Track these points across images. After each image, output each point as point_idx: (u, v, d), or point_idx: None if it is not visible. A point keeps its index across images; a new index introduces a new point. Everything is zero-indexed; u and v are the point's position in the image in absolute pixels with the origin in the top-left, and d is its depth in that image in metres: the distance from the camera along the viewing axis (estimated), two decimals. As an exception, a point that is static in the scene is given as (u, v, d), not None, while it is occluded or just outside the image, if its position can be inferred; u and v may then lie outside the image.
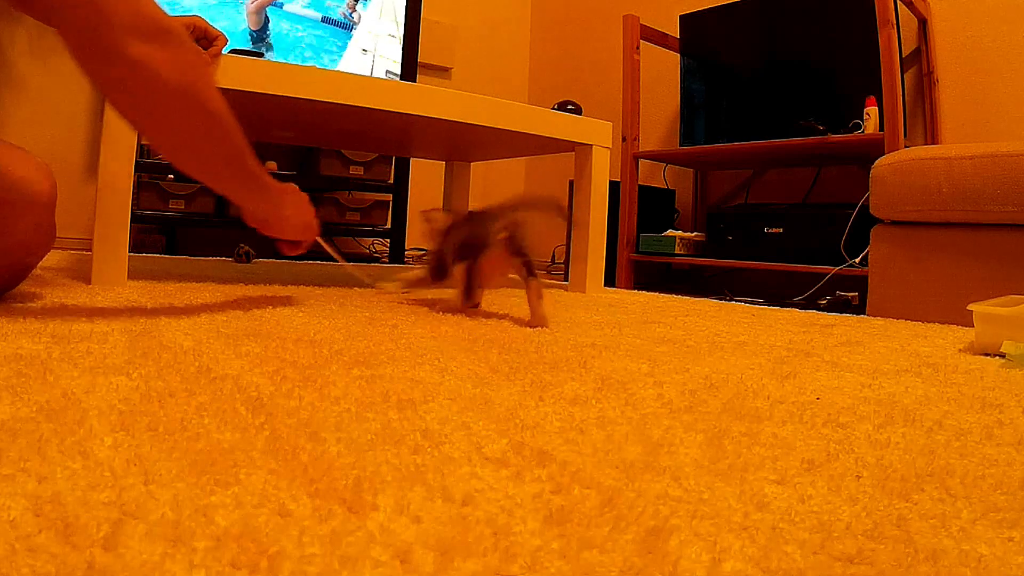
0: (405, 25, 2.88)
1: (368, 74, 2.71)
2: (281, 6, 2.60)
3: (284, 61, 2.34)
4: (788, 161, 2.48)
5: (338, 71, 1.48)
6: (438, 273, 1.23)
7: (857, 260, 1.90)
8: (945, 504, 0.41)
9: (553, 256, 3.35)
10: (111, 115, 1.30)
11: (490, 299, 1.56)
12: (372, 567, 0.29)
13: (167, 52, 0.77)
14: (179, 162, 0.89)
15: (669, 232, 2.49)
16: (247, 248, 2.37)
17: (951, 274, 1.59)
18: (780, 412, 0.62)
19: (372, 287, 1.24)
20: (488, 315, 1.25)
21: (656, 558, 0.31)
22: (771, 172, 2.65)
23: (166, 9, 0.78)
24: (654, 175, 2.93)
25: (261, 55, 1.46)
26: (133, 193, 1.35)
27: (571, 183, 2.12)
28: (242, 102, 1.50)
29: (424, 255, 1.25)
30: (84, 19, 0.72)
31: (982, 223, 1.55)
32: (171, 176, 2.52)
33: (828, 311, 1.86)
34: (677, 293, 2.24)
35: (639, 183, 2.57)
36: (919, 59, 2.24)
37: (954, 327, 1.48)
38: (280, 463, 0.41)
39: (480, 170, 3.45)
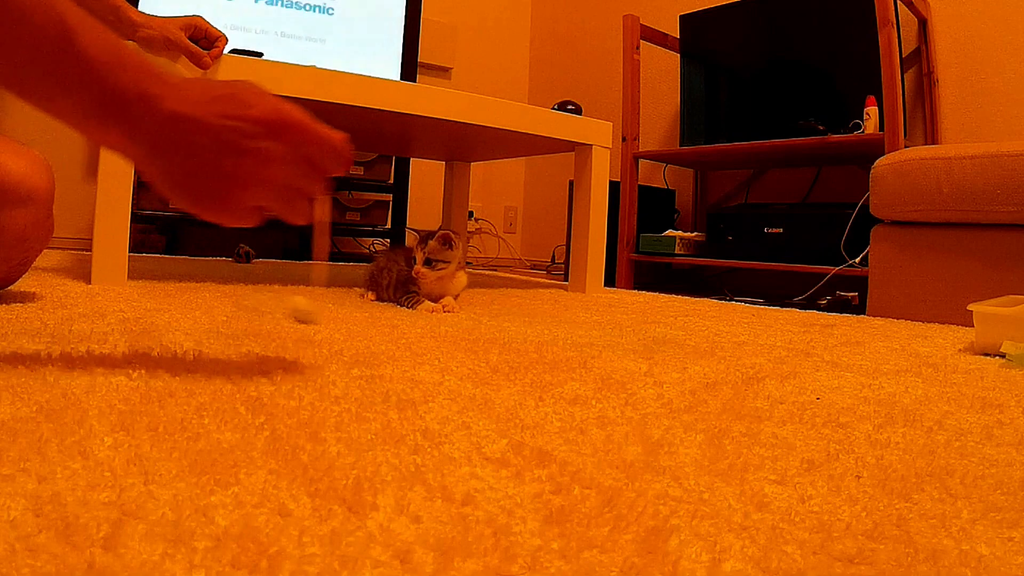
0: (405, 25, 2.88)
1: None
2: None
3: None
4: (788, 161, 2.48)
5: (338, 71, 1.49)
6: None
7: (857, 260, 1.90)
8: (945, 504, 0.41)
9: (553, 256, 3.35)
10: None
11: (490, 299, 1.56)
12: (372, 567, 0.29)
13: None
14: None
15: (669, 232, 2.49)
16: (247, 248, 2.37)
17: (951, 274, 1.59)
18: (780, 412, 0.62)
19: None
20: (487, 315, 1.25)
21: (656, 558, 0.31)
22: (771, 172, 2.65)
23: (166, 11, 0.73)
24: (654, 175, 2.93)
25: (261, 55, 1.46)
26: (133, 193, 1.34)
27: (571, 183, 2.12)
28: (242, 102, 1.49)
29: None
30: None
31: (982, 223, 1.55)
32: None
33: (828, 311, 1.86)
34: (677, 293, 2.24)
35: (639, 183, 2.57)
36: (919, 59, 2.24)
37: (954, 327, 1.48)
38: (280, 463, 0.41)
39: (480, 170, 3.45)
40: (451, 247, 1.26)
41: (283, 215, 0.60)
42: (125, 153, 0.56)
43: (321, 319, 1.06)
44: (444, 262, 1.26)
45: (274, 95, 0.59)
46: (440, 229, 1.27)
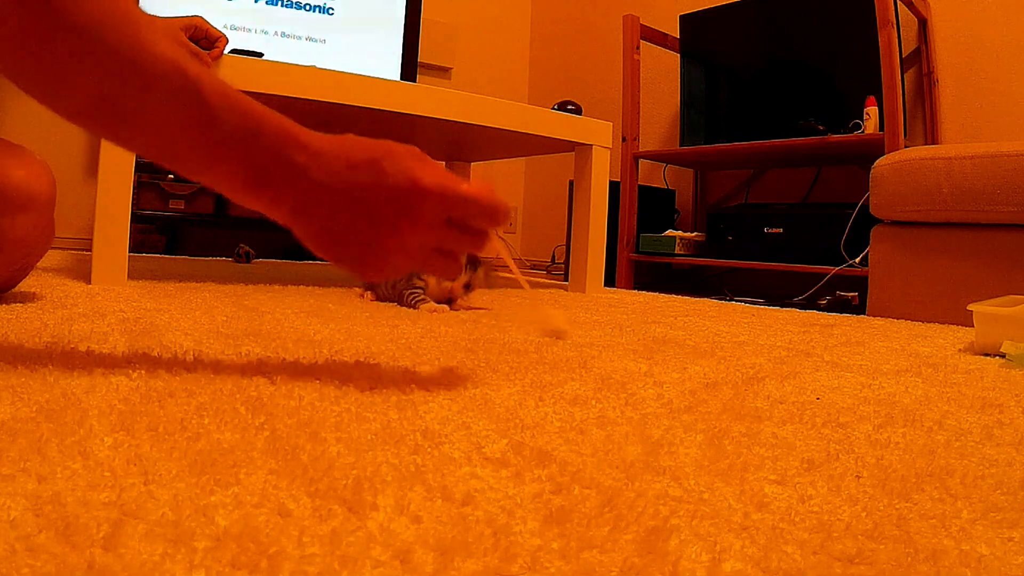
0: (405, 25, 2.88)
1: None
2: None
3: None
4: (788, 161, 2.48)
5: (338, 71, 1.49)
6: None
7: (857, 260, 1.90)
8: (945, 504, 0.41)
9: (553, 256, 3.35)
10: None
11: (490, 299, 1.56)
12: (372, 567, 0.29)
13: None
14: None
15: (669, 232, 2.49)
16: (247, 248, 2.37)
17: (951, 274, 1.59)
18: (780, 412, 0.62)
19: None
20: (487, 315, 1.25)
21: (656, 558, 0.31)
22: (771, 172, 2.65)
23: (166, 11, 0.72)
24: (654, 175, 2.93)
25: (261, 55, 1.46)
26: (133, 193, 1.34)
27: (571, 183, 2.12)
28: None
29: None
30: None
31: (982, 223, 1.55)
32: (171, 176, 2.53)
33: (828, 311, 1.86)
34: (677, 293, 2.24)
35: (639, 183, 2.57)
36: (919, 59, 2.24)
37: (954, 327, 1.48)
38: (280, 463, 0.41)
39: (480, 170, 3.44)
40: (489, 275, 1.33)
41: (433, 274, 0.61)
42: (271, 215, 0.58)
43: (570, 336, 1.03)
44: (476, 287, 1.32)
45: (416, 158, 0.57)
46: (484, 260, 1.32)
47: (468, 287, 1.29)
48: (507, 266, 0.77)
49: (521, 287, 0.80)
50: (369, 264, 0.59)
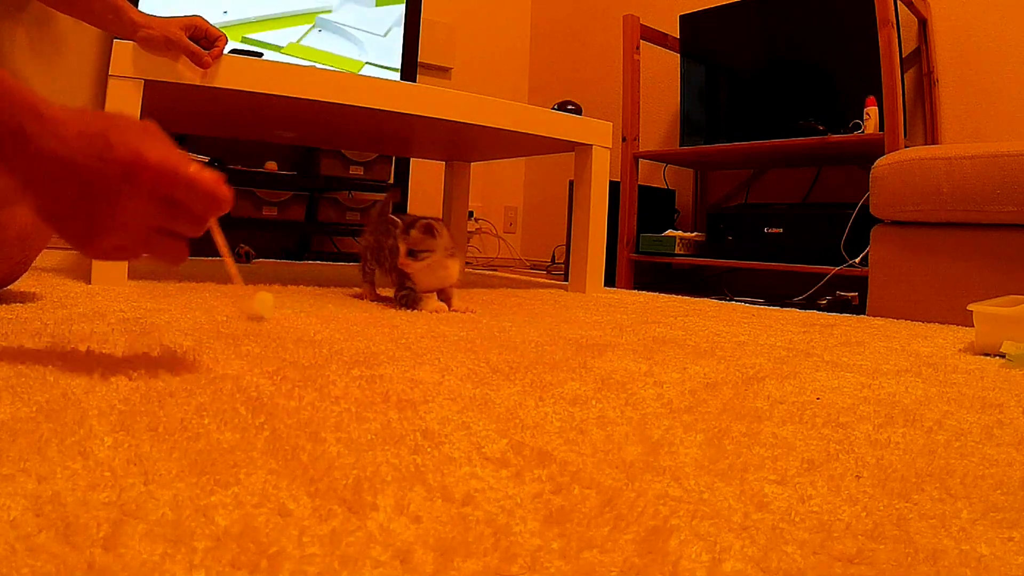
0: (405, 25, 2.88)
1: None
2: None
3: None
4: (788, 161, 2.48)
5: (338, 71, 1.48)
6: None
7: (857, 260, 1.90)
8: (945, 504, 0.41)
9: (553, 256, 3.35)
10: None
11: (490, 299, 1.56)
12: (372, 567, 0.29)
13: None
14: None
15: (669, 232, 2.49)
16: (247, 248, 2.37)
17: (951, 274, 1.59)
18: (780, 412, 0.62)
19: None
20: (487, 315, 1.25)
21: (656, 558, 0.31)
22: (771, 172, 2.65)
23: (165, 11, 0.73)
24: (654, 175, 2.93)
25: (261, 55, 1.46)
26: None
27: (571, 183, 2.12)
28: (242, 102, 1.50)
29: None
30: None
31: (982, 223, 1.55)
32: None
33: (828, 311, 1.86)
34: (677, 293, 2.24)
35: (639, 183, 2.57)
36: (919, 59, 2.24)
37: (954, 327, 1.48)
38: (280, 463, 0.41)
39: (480, 170, 3.45)
40: (433, 235, 1.23)
41: (154, 257, 0.60)
42: (2, 184, 0.56)
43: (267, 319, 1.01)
44: (428, 251, 1.23)
45: (146, 132, 0.57)
46: (422, 218, 1.25)
47: (413, 254, 1.21)
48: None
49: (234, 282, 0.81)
50: (90, 238, 0.57)
